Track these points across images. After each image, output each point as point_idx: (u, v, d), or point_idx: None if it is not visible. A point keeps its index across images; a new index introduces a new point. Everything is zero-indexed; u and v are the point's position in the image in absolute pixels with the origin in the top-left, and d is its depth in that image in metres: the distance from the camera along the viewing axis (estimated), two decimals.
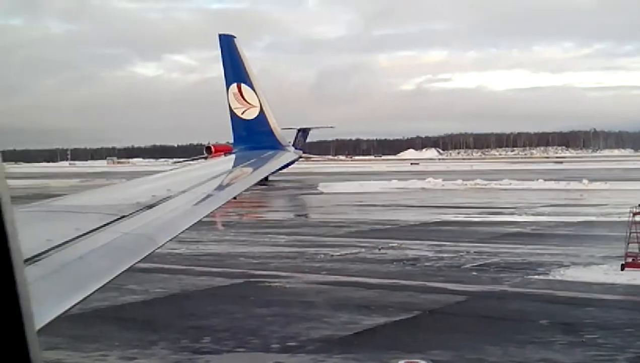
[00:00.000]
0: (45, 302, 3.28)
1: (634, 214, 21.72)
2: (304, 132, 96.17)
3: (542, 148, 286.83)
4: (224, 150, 79.09)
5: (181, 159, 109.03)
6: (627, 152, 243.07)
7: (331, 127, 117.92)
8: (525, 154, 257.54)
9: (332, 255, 24.30)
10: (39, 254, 3.70)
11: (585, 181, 62.04)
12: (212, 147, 78.30)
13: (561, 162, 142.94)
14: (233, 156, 11.90)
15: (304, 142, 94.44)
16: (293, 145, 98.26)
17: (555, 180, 66.87)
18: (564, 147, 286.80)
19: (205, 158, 78.65)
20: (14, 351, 1.31)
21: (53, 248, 3.85)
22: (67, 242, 4.03)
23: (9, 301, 1.31)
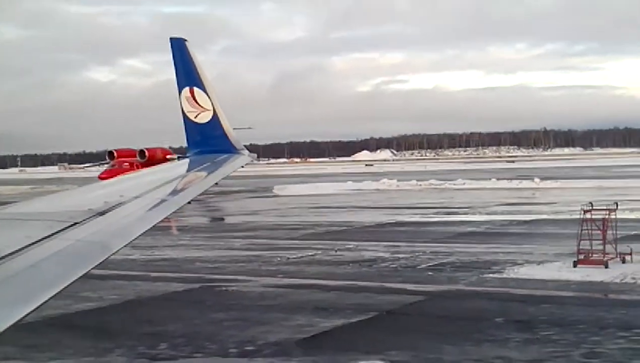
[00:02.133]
0: None
1: (585, 212, 22.07)
2: None
3: (494, 148, 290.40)
4: (128, 155, 77.41)
5: (87, 164, 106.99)
6: (577, 150, 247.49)
7: (249, 128, 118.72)
8: (477, 154, 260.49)
9: (288, 258, 24.27)
10: None
11: (536, 179, 62.95)
12: (114, 152, 76.70)
13: (513, 161, 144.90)
14: (187, 160, 11.80)
15: None
16: None
17: (507, 179, 67.72)
18: (515, 146, 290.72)
19: (108, 163, 76.30)
20: None
21: (3, 257, 3.76)
22: (17, 250, 3.94)
23: None
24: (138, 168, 75.58)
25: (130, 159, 75.49)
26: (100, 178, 74.71)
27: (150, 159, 74.42)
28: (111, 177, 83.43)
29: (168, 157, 77.96)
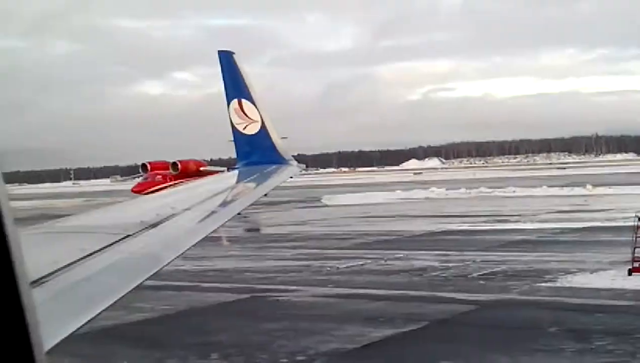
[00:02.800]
0: (52, 323, 3.26)
1: None
2: None
3: (544, 154, 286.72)
4: (161, 167, 76.29)
5: (122, 178, 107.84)
6: (630, 156, 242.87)
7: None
8: (528, 161, 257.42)
9: (338, 268, 24.26)
10: (45, 276, 3.69)
11: (589, 186, 61.93)
12: (147, 165, 76.74)
13: (564, 168, 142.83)
14: (236, 172, 11.90)
15: None
16: None
17: (558, 186, 66.81)
18: (566, 153, 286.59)
19: (141, 176, 76.80)
20: None
21: (59, 269, 3.84)
22: (72, 262, 4.02)
23: (16, 327, 1.30)
24: (171, 180, 73.46)
25: (163, 171, 75.91)
26: (134, 191, 73.23)
27: (183, 171, 75.15)
28: (144, 189, 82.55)
29: (201, 169, 76.99)
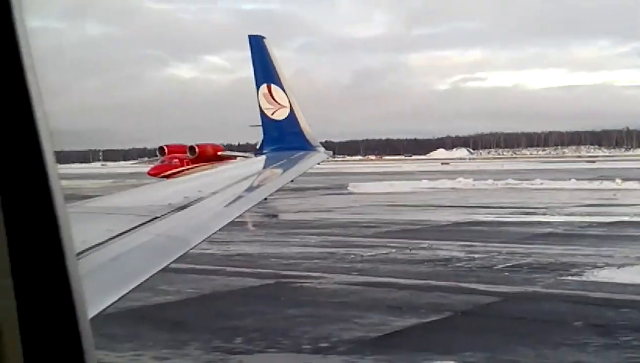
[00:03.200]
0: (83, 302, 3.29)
1: None
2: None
3: (574, 147, 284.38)
4: (179, 151, 75.89)
5: (149, 159, 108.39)
6: None
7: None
8: (557, 153, 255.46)
9: (363, 256, 24.26)
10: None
11: (618, 180, 61.34)
12: (165, 148, 76.66)
13: (594, 161, 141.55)
14: (264, 157, 11.94)
15: None
16: (262, 145, 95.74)
17: (587, 179, 66.24)
18: (596, 146, 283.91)
19: (159, 159, 76.92)
20: (68, 344, 1.44)
21: (87, 249, 3.87)
22: (100, 243, 4.05)
23: (63, 295, 1.43)
24: (188, 164, 74.48)
25: (180, 155, 75.84)
26: (150, 174, 73.91)
27: (200, 155, 75.08)
28: (160, 173, 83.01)
29: (219, 153, 77.32)
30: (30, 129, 1.38)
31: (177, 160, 75.19)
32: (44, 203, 1.42)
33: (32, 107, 1.38)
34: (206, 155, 75.85)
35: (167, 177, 74.16)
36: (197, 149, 75.62)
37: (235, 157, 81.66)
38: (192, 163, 74.65)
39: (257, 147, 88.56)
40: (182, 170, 73.72)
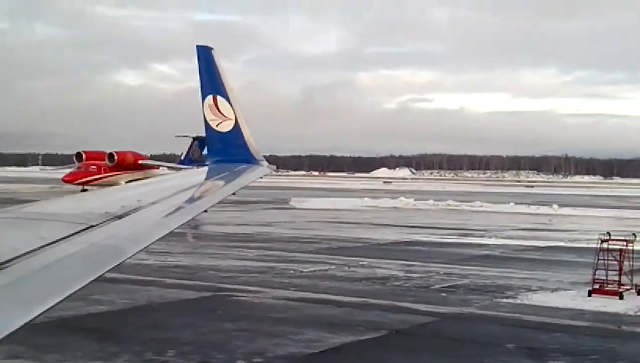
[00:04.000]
0: (9, 311, 3.20)
1: (602, 241, 21.89)
2: (201, 141, 79.61)
3: (514, 171, 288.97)
4: (97, 157, 74.54)
5: (50, 167, 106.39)
6: (597, 178, 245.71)
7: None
8: (497, 177, 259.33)
9: (302, 271, 24.23)
10: (4, 262, 3.62)
11: (555, 206, 62.59)
12: (83, 154, 75.25)
13: (532, 186, 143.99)
14: (206, 168, 11.84)
15: (200, 153, 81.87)
16: (187, 156, 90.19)
17: (525, 204, 67.36)
18: (535, 171, 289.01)
19: (75, 166, 75.46)
20: None
21: (18, 256, 3.77)
22: (32, 250, 3.95)
23: None
24: (106, 171, 73.55)
25: (99, 162, 74.43)
26: (64, 181, 72.32)
27: (119, 162, 74.17)
28: (76, 179, 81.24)
29: (140, 162, 76.88)
30: None
31: (94, 166, 73.69)
32: None
33: None
34: (126, 163, 74.94)
35: (83, 184, 71.19)
36: (116, 157, 74.29)
37: (157, 166, 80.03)
38: (111, 171, 73.90)
39: (182, 157, 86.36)
40: (99, 178, 73.05)
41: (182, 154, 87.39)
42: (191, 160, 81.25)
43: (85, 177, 72.20)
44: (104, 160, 74.23)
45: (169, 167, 79.81)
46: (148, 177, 75.62)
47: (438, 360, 13.70)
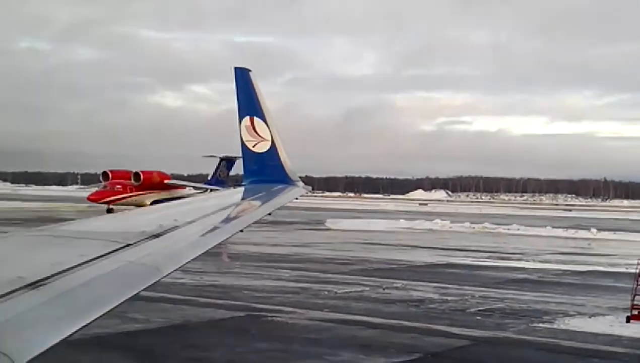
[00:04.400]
0: (47, 326, 3.26)
1: None
2: (228, 161, 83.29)
3: (551, 195, 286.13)
4: (123, 176, 74.56)
5: (85, 186, 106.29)
6: (637, 202, 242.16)
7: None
8: (534, 200, 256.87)
9: (336, 292, 24.19)
10: (44, 279, 3.70)
11: (593, 230, 61.78)
12: (109, 173, 74.89)
13: (570, 210, 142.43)
14: (242, 188, 11.91)
15: (227, 174, 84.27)
16: (214, 176, 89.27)
17: (563, 227, 66.62)
18: (573, 195, 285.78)
19: (103, 185, 74.88)
20: None
21: (57, 273, 3.84)
22: (71, 268, 4.02)
23: None
24: (132, 191, 73.52)
25: (124, 181, 74.22)
26: (90, 199, 72.32)
27: (145, 182, 73.95)
28: (101, 199, 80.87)
29: (166, 182, 76.67)
30: None
31: (120, 186, 73.40)
32: None
33: None
34: (151, 183, 74.76)
35: (108, 203, 71.50)
36: (141, 176, 74.06)
37: (184, 186, 79.55)
38: (136, 190, 73.74)
39: (209, 178, 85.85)
40: (125, 197, 72.95)
41: (207, 174, 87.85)
42: (218, 180, 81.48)
43: (111, 196, 72.22)
44: (130, 179, 74.19)
45: (195, 187, 79.67)
46: (175, 197, 75.40)
47: None
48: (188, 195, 73.98)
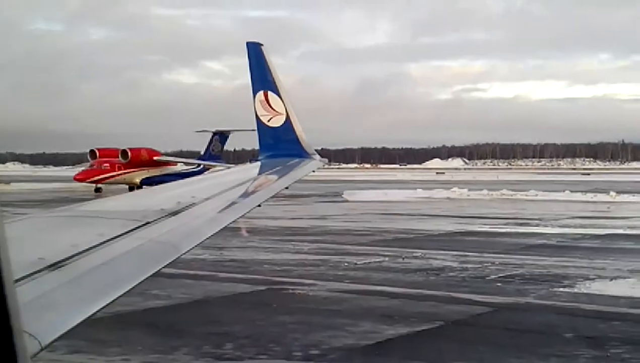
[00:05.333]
0: (69, 307, 3.30)
1: None
2: (221, 135, 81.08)
3: (569, 159, 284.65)
4: (111, 154, 72.37)
5: (71, 167, 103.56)
6: None
7: (253, 130, 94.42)
8: (552, 165, 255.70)
9: (356, 264, 24.26)
10: (64, 260, 3.73)
11: (612, 193, 61.45)
12: (96, 151, 72.74)
13: (588, 174, 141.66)
14: (258, 163, 11.94)
15: (221, 148, 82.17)
16: (207, 151, 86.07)
17: (582, 191, 66.35)
18: (591, 158, 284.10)
19: (89, 164, 72.84)
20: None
21: (78, 253, 3.88)
22: (91, 247, 4.05)
23: (1, 331, 1.26)
24: (120, 169, 71.28)
25: (112, 159, 72.01)
26: (76, 179, 70.03)
27: (133, 159, 71.44)
28: (87, 178, 79.36)
29: (155, 158, 74.10)
30: None
31: (107, 164, 71.39)
32: None
33: None
34: (140, 160, 72.35)
35: (96, 182, 69.61)
36: (129, 153, 71.58)
37: (175, 163, 77.65)
38: (125, 168, 71.45)
39: (202, 153, 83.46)
40: (113, 176, 70.94)
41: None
42: (211, 155, 79.14)
43: (98, 175, 70.53)
44: (117, 156, 72.03)
45: (186, 163, 78.01)
46: (165, 174, 74.16)
47: (495, 351, 13.62)
48: (180, 172, 71.61)
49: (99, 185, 69.54)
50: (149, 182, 70.22)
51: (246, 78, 12.98)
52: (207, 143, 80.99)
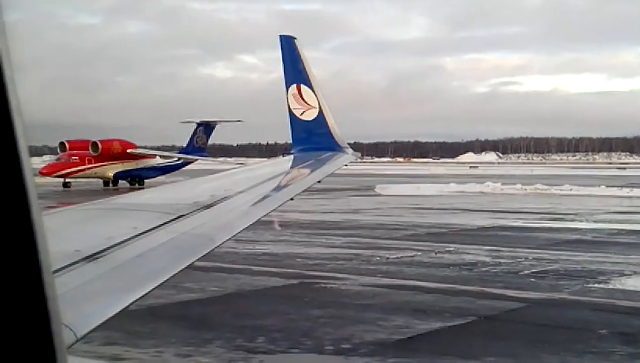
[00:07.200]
0: (105, 299, 3.33)
1: None
2: (206, 126, 76.97)
3: (604, 153, 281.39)
4: (80, 146, 68.44)
5: (53, 156, 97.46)
6: None
7: (239, 121, 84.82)
8: (587, 159, 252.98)
9: (388, 258, 24.22)
10: (99, 252, 3.76)
11: None
12: (66, 144, 68.75)
13: (624, 168, 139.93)
14: (291, 157, 11.96)
15: (205, 141, 77.73)
16: (190, 143, 77.27)
17: (618, 186, 65.55)
18: (627, 153, 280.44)
19: (57, 157, 69.16)
20: (42, 353, 1.28)
21: (113, 246, 3.91)
22: (126, 240, 4.09)
23: (39, 318, 1.28)
24: (90, 162, 67.01)
25: (82, 151, 68.18)
26: (41, 173, 63.35)
27: (104, 152, 67.21)
28: (54, 172, 65.81)
29: (129, 151, 69.45)
30: (5, 123, 1.21)
31: (76, 157, 67.36)
32: (18, 206, 1.25)
33: (8, 99, 1.21)
34: (112, 153, 68.06)
35: (64, 176, 65.13)
36: (100, 146, 67.25)
37: (153, 156, 73.68)
38: (96, 161, 67.62)
39: (184, 145, 79.91)
40: (82, 169, 67.16)
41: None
42: (195, 148, 76.00)
43: (65, 169, 66.48)
44: (87, 149, 67.96)
45: (162, 156, 75.00)
46: (142, 168, 71.87)
47: (528, 346, 13.52)
48: (158, 166, 70.40)
49: (67, 180, 66.37)
50: (123, 176, 68.96)
51: (281, 71, 13.00)
52: (191, 134, 76.72)
